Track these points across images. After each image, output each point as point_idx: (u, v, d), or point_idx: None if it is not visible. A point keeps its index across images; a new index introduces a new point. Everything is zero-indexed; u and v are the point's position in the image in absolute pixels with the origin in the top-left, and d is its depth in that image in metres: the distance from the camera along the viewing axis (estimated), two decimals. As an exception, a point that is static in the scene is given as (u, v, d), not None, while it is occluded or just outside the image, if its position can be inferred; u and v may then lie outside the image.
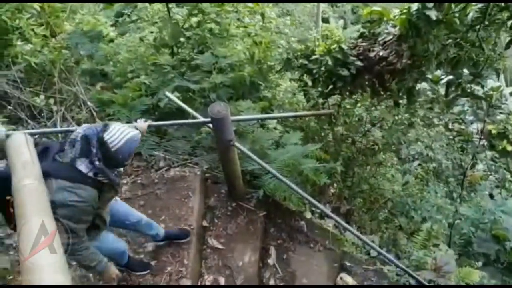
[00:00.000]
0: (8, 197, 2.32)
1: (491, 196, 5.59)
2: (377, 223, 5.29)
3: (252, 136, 4.47)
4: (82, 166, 2.35)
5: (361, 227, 5.13)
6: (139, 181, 4.40)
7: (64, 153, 2.41)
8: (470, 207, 5.33)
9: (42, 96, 5.00)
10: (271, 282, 3.94)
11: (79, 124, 4.87)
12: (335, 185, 5.23)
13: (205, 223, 4.20)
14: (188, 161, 4.67)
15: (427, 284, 3.75)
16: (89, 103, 5.11)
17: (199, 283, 3.74)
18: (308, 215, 4.58)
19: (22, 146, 2.27)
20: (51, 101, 5.06)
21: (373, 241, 4.34)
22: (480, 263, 4.76)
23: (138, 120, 3.27)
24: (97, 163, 2.35)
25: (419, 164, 5.29)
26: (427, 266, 4.00)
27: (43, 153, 2.46)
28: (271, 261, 4.11)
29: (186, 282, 3.52)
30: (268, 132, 4.58)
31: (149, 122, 3.30)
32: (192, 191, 4.25)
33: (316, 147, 4.29)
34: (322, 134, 5.19)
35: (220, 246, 4.02)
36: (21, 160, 2.08)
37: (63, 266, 1.20)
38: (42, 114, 5.00)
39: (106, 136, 2.35)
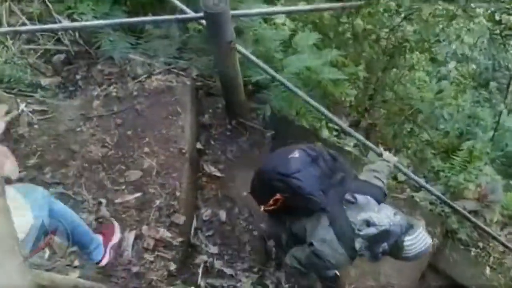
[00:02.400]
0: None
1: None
2: (401, 139, 4.70)
3: (253, 35, 3.74)
4: (359, 244, 2.25)
5: (383, 144, 4.53)
6: (113, 94, 3.63)
7: (353, 208, 2.31)
8: (517, 119, 4.77)
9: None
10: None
11: (30, 19, 3.90)
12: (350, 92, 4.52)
13: (199, 146, 3.72)
14: (173, 66, 3.92)
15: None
16: (41, -10, 4.07)
17: (195, 218, 3.43)
18: (325, 133, 3.98)
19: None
20: (-9, -13, 4.02)
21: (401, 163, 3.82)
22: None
23: (385, 153, 2.98)
24: (380, 255, 2.29)
25: (454, 67, 4.55)
26: (468, 194, 3.59)
27: (341, 182, 2.46)
28: (281, 190, 3.69)
29: (180, 217, 3.17)
30: (275, 30, 3.81)
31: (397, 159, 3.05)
32: (181, 106, 3.59)
33: (337, 53, 3.64)
34: (340, 29, 4.32)
35: (218, 174, 3.64)
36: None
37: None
38: (-18, 7, 3.99)
39: (407, 242, 2.21)
